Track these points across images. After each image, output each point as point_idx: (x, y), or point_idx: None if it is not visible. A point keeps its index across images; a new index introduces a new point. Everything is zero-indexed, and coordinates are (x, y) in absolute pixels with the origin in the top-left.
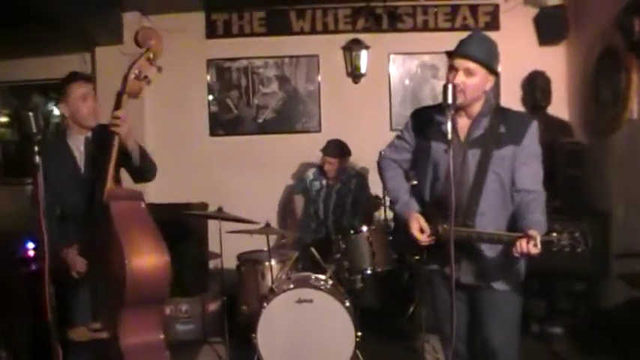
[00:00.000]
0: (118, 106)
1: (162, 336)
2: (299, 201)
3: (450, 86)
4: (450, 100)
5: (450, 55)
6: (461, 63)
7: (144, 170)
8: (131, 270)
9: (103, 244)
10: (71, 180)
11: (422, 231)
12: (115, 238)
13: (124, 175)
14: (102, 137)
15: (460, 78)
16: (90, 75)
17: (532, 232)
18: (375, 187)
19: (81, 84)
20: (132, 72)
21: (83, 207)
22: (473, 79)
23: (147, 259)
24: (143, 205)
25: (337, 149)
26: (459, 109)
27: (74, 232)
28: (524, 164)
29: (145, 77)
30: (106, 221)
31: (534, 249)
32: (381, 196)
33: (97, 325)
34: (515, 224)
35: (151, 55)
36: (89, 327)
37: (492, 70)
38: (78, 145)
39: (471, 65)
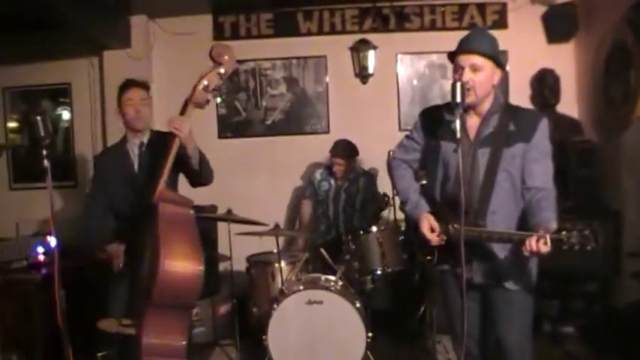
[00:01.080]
0: (183, 111)
1: (184, 342)
2: (307, 206)
3: (458, 84)
4: (458, 99)
5: (453, 54)
6: (465, 60)
7: (202, 175)
8: (164, 271)
9: (146, 243)
10: (125, 180)
11: (433, 231)
12: (157, 238)
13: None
14: (159, 143)
15: (467, 75)
16: (143, 81)
17: (542, 231)
18: (384, 187)
19: (128, 90)
20: (201, 82)
21: (135, 207)
22: (480, 75)
23: (181, 264)
24: (191, 213)
25: (345, 150)
26: (468, 107)
27: (125, 230)
28: (535, 161)
29: (214, 90)
30: (152, 221)
31: (544, 247)
32: (389, 194)
33: (127, 321)
34: (526, 222)
35: (222, 71)
36: (119, 321)
37: (498, 63)
38: (133, 148)
39: (476, 60)
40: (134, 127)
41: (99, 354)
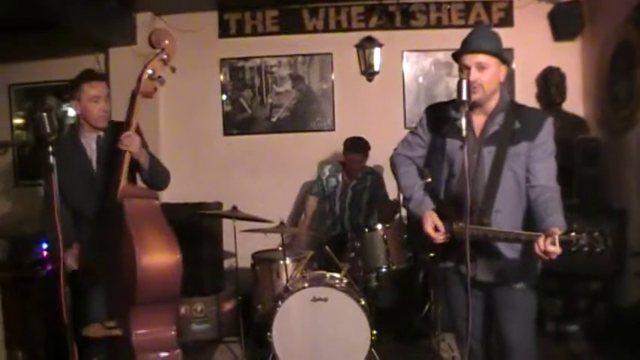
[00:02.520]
0: (132, 105)
1: (173, 332)
2: (312, 201)
3: (464, 82)
4: (464, 96)
5: (458, 55)
6: (471, 59)
7: (155, 181)
8: (142, 268)
9: (116, 242)
10: (83, 178)
11: (436, 229)
12: (128, 236)
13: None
14: (115, 136)
15: (474, 75)
16: (104, 73)
17: (551, 232)
18: (392, 187)
19: (93, 84)
20: (145, 72)
21: (94, 205)
22: (487, 73)
23: (158, 257)
24: (157, 204)
25: (360, 145)
26: (475, 105)
27: (86, 230)
28: (539, 160)
29: (159, 77)
30: (119, 219)
31: (553, 247)
32: (398, 199)
33: (111, 323)
34: (530, 220)
35: (165, 56)
36: (103, 324)
37: (503, 59)
38: (90, 143)
39: (482, 58)
40: (97, 126)
41: None
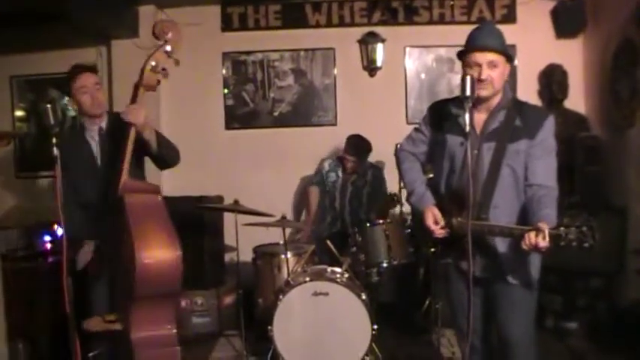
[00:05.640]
0: (134, 97)
1: (174, 330)
2: (314, 192)
3: (468, 78)
4: (468, 93)
5: (466, 51)
6: (483, 57)
7: (165, 157)
8: (141, 264)
9: (118, 236)
10: (88, 171)
11: (437, 223)
12: (128, 231)
13: (150, 164)
14: (117, 127)
15: (486, 72)
16: (91, 65)
17: (541, 225)
18: (392, 181)
19: (79, 77)
20: (148, 64)
21: (100, 198)
22: (496, 71)
23: (158, 253)
24: (159, 199)
25: (356, 148)
26: (478, 102)
27: (92, 224)
28: (538, 158)
29: (163, 70)
30: (120, 214)
31: (543, 242)
32: (397, 193)
33: (111, 317)
34: (526, 218)
35: (169, 48)
36: (104, 318)
37: (509, 58)
38: (93, 135)
39: (493, 57)
40: (92, 113)
41: (89, 354)
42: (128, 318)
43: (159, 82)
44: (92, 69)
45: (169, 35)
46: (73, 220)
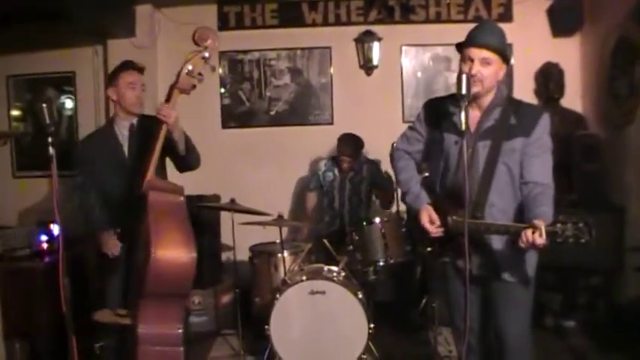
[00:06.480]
0: (169, 97)
1: (180, 330)
2: (311, 199)
3: (464, 76)
4: (464, 90)
5: (463, 46)
6: (477, 53)
7: (189, 160)
8: (155, 261)
9: (138, 232)
10: (116, 165)
11: (432, 222)
12: (147, 227)
13: (169, 166)
14: (147, 127)
15: (477, 68)
16: (142, 66)
17: (537, 223)
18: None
19: (131, 72)
20: (185, 68)
21: (125, 193)
22: (489, 69)
23: (173, 252)
24: (182, 199)
25: (350, 147)
26: (472, 99)
27: (116, 217)
28: (534, 156)
29: (199, 74)
30: (142, 210)
31: (539, 239)
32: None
33: (122, 311)
34: (523, 215)
35: (207, 55)
36: (114, 311)
37: (506, 59)
38: (123, 130)
39: (488, 54)
40: (132, 111)
41: (97, 344)
42: (137, 313)
43: (194, 86)
44: (142, 70)
45: (208, 42)
46: (95, 212)
